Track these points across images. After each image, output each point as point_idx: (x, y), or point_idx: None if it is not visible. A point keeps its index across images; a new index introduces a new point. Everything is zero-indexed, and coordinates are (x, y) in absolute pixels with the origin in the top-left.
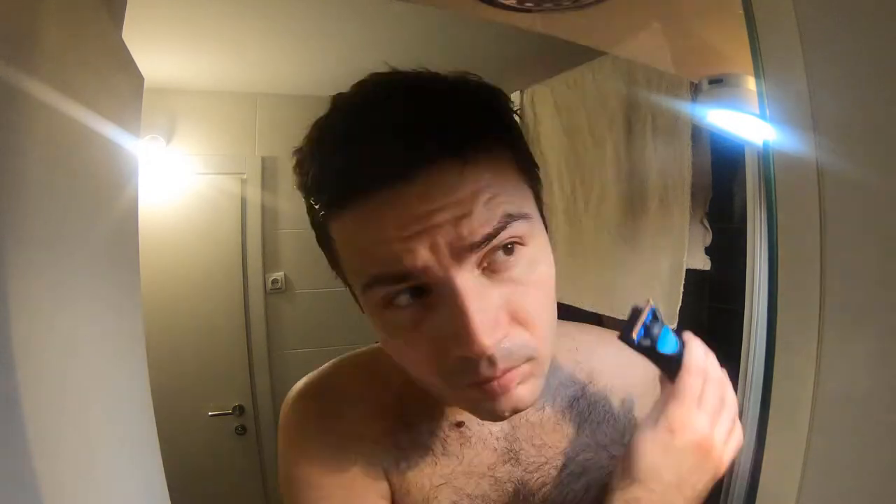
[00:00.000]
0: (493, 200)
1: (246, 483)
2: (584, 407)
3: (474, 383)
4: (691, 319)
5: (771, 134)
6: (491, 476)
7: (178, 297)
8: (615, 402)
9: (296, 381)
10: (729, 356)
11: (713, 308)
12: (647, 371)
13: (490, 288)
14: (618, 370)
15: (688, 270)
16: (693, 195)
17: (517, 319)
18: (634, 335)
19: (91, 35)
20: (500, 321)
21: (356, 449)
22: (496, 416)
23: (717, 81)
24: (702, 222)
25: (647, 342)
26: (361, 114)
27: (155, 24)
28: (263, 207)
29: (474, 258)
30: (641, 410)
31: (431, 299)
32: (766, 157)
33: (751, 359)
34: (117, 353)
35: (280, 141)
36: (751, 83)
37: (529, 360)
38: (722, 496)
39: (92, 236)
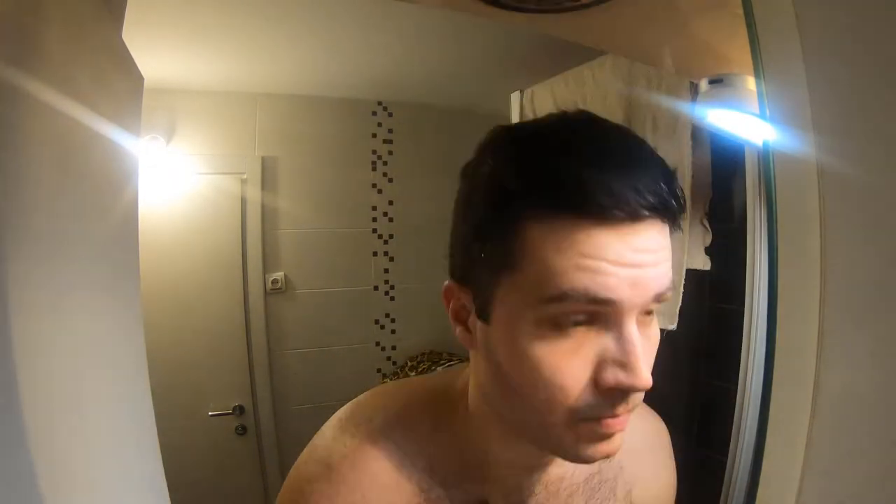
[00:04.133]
0: (669, 265)
1: (246, 483)
2: (597, 482)
3: (600, 418)
4: (691, 319)
5: (771, 134)
6: None
7: (178, 297)
8: (620, 484)
9: (296, 382)
10: (729, 356)
11: (713, 308)
12: (654, 459)
13: (640, 335)
14: (629, 452)
15: (688, 270)
16: (693, 195)
17: None
18: None
19: (91, 35)
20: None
21: None
22: (592, 458)
23: (717, 81)
24: (702, 222)
25: None
26: (615, 146)
27: (155, 24)
28: (263, 207)
29: (645, 307)
30: (635, 495)
31: (597, 328)
32: (766, 157)
33: (751, 359)
34: (117, 353)
35: (280, 141)
36: (751, 83)
37: (633, 410)
38: (722, 496)
39: (92, 236)
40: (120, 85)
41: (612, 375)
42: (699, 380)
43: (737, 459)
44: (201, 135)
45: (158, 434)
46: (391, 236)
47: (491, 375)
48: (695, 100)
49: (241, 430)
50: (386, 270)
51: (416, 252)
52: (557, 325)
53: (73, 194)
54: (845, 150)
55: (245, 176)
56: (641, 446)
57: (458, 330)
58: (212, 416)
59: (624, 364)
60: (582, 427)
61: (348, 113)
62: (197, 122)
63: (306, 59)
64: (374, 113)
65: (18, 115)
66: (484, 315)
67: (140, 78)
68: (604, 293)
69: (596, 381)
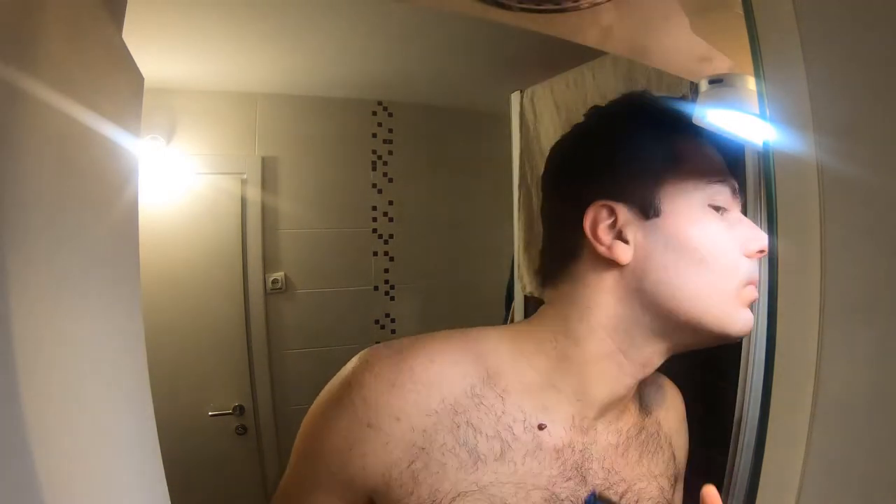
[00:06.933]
0: None
1: (246, 483)
2: (645, 437)
3: (752, 281)
4: None
5: (771, 134)
6: (548, 490)
7: (179, 297)
8: (662, 435)
9: (296, 382)
10: (729, 356)
11: None
12: (678, 417)
13: None
14: (661, 403)
15: None
16: None
17: None
18: None
19: (91, 35)
20: None
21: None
22: (745, 328)
23: (717, 81)
24: None
25: None
26: None
27: (155, 24)
28: (263, 207)
29: None
30: (675, 446)
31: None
32: (766, 157)
33: (751, 359)
34: (117, 353)
35: (280, 141)
36: (751, 83)
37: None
38: (722, 496)
39: (92, 236)
40: (120, 85)
41: (754, 245)
42: (699, 380)
43: (737, 459)
44: (201, 135)
45: (158, 434)
46: (391, 236)
47: (662, 270)
48: (695, 100)
49: (241, 430)
50: (386, 270)
51: (416, 252)
52: (716, 211)
53: (73, 194)
54: (845, 150)
55: (245, 176)
56: (671, 406)
57: (602, 249)
58: (212, 416)
59: (758, 236)
60: (744, 291)
61: (348, 113)
62: (197, 122)
63: (306, 59)
64: (374, 113)
65: (18, 115)
66: (652, 212)
67: (140, 78)
68: (730, 184)
69: (743, 251)
